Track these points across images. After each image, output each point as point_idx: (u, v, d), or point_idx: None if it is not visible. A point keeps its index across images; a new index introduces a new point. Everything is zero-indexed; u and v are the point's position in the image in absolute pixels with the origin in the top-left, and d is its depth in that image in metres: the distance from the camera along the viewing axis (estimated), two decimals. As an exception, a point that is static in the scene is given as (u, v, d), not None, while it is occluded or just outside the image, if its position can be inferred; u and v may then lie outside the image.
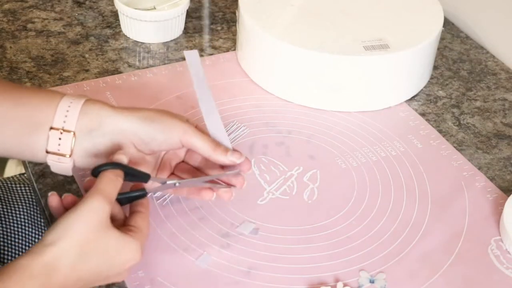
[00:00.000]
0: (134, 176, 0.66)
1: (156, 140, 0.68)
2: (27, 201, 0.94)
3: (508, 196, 0.78)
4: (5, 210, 0.92)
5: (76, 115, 0.66)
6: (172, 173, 0.73)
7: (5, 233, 0.90)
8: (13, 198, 0.95)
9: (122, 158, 0.65)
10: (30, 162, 0.79)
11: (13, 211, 0.92)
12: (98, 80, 0.92)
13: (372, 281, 0.68)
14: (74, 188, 0.76)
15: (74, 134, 0.66)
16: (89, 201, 0.59)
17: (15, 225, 0.91)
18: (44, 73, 0.93)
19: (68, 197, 0.64)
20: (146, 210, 0.65)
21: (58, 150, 0.66)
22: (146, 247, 0.70)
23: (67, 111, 0.66)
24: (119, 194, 0.64)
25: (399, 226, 0.75)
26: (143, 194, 0.66)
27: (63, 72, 0.94)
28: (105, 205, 0.60)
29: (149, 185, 0.68)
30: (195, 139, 0.68)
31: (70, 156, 0.67)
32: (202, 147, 0.69)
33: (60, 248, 0.58)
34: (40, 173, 0.78)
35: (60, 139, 0.66)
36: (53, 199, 0.64)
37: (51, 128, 0.66)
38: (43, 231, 0.92)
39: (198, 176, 0.72)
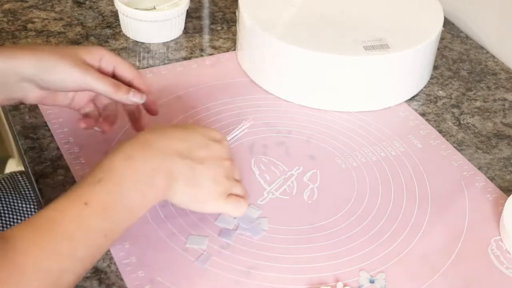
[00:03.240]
0: None
1: (53, 85, 0.70)
2: (27, 200, 0.94)
3: (508, 196, 0.78)
4: (5, 209, 0.92)
5: None
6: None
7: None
8: (13, 197, 0.95)
9: None
10: (30, 162, 0.79)
11: (13, 211, 0.92)
12: (98, 80, 0.92)
13: (372, 281, 0.68)
14: (74, 188, 0.76)
15: None
16: None
17: (15, 224, 0.91)
18: (44, 73, 0.93)
19: None
20: None
21: None
22: (146, 247, 0.70)
23: None
24: None
25: (399, 226, 0.75)
26: None
27: (63, 72, 0.94)
28: None
29: None
30: (95, 83, 0.69)
31: None
32: (103, 89, 0.70)
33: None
34: (40, 173, 0.78)
35: None
36: None
37: None
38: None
39: None
